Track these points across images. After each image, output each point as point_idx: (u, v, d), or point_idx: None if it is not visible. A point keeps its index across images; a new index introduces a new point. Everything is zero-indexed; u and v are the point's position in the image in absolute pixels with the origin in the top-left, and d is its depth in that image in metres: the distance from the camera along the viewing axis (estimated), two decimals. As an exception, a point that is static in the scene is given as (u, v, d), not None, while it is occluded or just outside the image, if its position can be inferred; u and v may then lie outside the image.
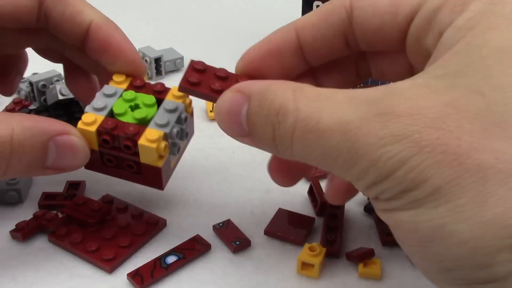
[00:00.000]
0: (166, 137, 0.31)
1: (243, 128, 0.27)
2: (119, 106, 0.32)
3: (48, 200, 0.37)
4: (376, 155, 0.22)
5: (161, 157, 0.31)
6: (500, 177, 0.21)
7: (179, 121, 0.32)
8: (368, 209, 0.38)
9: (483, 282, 0.22)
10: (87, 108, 0.32)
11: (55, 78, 0.48)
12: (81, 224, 0.35)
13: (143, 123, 0.32)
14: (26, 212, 0.36)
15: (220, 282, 0.32)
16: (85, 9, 0.35)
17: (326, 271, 0.33)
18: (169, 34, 0.63)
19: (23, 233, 0.34)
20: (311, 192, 0.39)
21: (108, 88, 0.33)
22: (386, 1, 0.28)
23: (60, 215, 0.36)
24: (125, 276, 0.32)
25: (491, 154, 0.21)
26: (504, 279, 0.21)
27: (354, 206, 0.38)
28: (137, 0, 0.74)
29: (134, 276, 0.31)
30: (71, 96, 0.46)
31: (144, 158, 0.31)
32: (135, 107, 0.33)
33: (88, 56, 0.36)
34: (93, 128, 0.31)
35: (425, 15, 0.26)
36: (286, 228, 0.35)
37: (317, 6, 0.52)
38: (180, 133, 0.32)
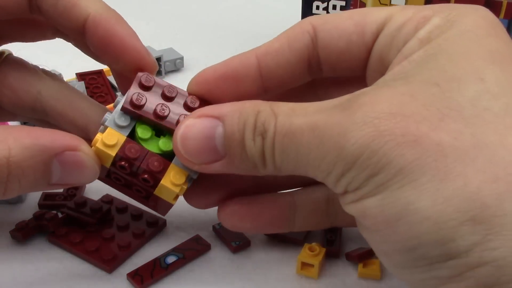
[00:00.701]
0: (188, 178, 0.29)
1: (217, 152, 0.27)
2: (143, 130, 0.29)
3: (48, 200, 0.37)
4: (341, 145, 0.23)
5: (177, 197, 0.30)
6: (458, 154, 0.22)
7: None
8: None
9: (444, 259, 0.22)
10: (109, 122, 0.29)
11: (55, 78, 0.48)
12: (81, 224, 0.35)
13: (167, 155, 0.29)
14: (26, 212, 0.36)
15: (220, 282, 0.32)
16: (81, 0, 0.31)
17: (326, 271, 0.33)
18: (169, 34, 0.63)
19: (23, 233, 0.34)
20: (311, 192, 0.39)
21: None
22: (350, 22, 0.28)
23: (60, 215, 0.36)
24: (125, 276, 0.32)
25: (448, 134, 0.22)
26: (465, 254, 0.21)
27: (354, 206, 0.38)
28: (137, 0, 0.74)
29: (134, 276, 0.31)
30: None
31: (159, 193, 0.29)
32: (159, 130, 0.29)
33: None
34: (113, 152, 0.28)
35: (390, 32, 0.27)
36: (286, 228, 0.35)
37: (317, 6, 0.52)
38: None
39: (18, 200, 0.37)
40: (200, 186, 0.31)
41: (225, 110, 0.27)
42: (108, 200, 0.37)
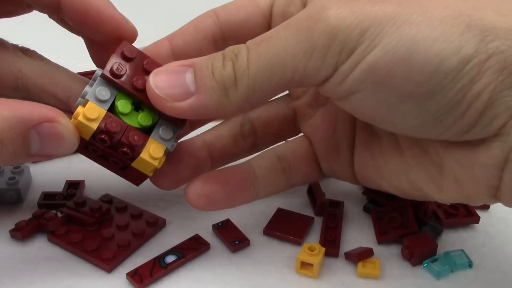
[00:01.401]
0: (166, 152, 0.30)
1: (187, 88, 0.28)
2: (123, 104, 0.30)
3: (47, 199, 0.37)
4: (322, 18, 0.26)
5: (155, 169, 0.31)
6: None
7: (179, 131, 0.32)
8: (367, 208, 0.38)
9: (463, 66, 0.25)
10: (89, 96, 0.29)
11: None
12: (80, 224, 0.35)
13: (146, 130, 0.30)
14: (25, 212, 0.36)
15: (219, 281, 0.32)
16: None
17: (325, 271, 0.33)
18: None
19: (23, 232, 0.34)
20: (310, 192, 0.39)
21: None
22: (246, 0, 0.34)
23: (59, 214, 0.36)
24: (125, 276, 0.32)
25: None
26: (476, 54, 0.25)
27: (353, 205, 0.38)
28: (137, 0, 0.74)
29: (133, 275, 0.31)
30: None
31: (137, 165, 0.30)
32: (138, 105, 0.30)
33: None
34: (94, 126, 0.29)
35: None
36: (285, 227, 0.35)
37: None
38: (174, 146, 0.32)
39: (17, 200, 0.37)
40: (166, 166, 0.32)
41: (195, 59, 0.29)
42: (107, 199, 0.37)
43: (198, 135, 0.35)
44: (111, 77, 0.29)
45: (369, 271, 0.32)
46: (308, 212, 0.38)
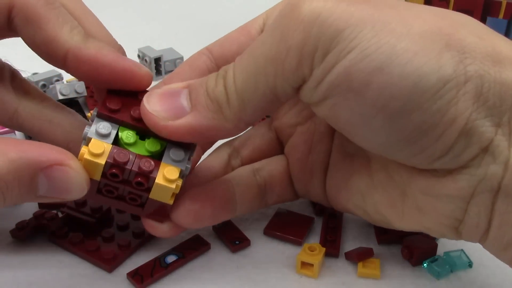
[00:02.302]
0: (181, 174, 0.29)
1: (182, 107, 0.28)
2: (127, 135, 0.29)
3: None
4: (297, 13, 0.25)
5: (173, 195, 0.29)
6: (406, 6, 0.25)
7: (191, 154, 0.30)
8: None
9: (442, 85, 0.23)
10: (91, 133, 0.28)
11: (55, 78, 0.49)
12: (81, 224, 0.35)
13: (156, 156, 0.29)
14: (26, 212, 0.36)
15: (219, 281, 0.32)
16: None
17: (326, 271, 0.33)
18: (169, 34, 0.63)
19: (23, 232, 0.34)
20: (310, 192, 0.39)
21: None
22: (237, 31, 0.34)
23: (60, 214, 0.36)
24: (125, 276, 0.32)
25: (389, 1, 0.26)
26: (454, 75, 0.24)
27: (353, 205, 0.38)
28: (137, 0, 0.74)
29: (134, 275, 0.31)
30: (71, 96, 0.47)
31: (155, 195, 0.29)
32: (142, 135, 0.29)
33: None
34: (102, 161, 0.27)
35: (273, 16, 0.32)
36: (285, 227, 0.35)
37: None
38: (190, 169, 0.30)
39: (18, 200, 0.37)
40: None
41: (190, 81, 0.29)
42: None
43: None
44: (108, 113, 0.29)
45: (369, 271, 0.32)
46: (308, 212, 0.38)
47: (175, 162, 0.29)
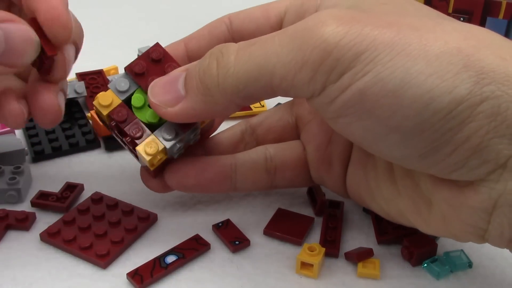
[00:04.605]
0: (165, 150, 0.32)
1: (178, 93, 0.29)
2: (137, 98, 0.32)
3: (41, 199, 0.37)
4: (318, 32, 0.25)
5: (153, 165, 0.32)
6: (428, 27, 0.25)
7: (188, 136, 0.32)
8: (367, 209, 0.38)
9: (454, 106, 0.24)
10: (111, 85, 0.32)
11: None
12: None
13: (153, 127, 0.32)
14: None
15: (219, 281, 0.32)
16: None
17: (325, 271, 0.33)
18: (169, 34, 0.63)
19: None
20: (310, 192, 0.39)
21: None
22: (258, 10, 0.35)
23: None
24: (125, 276, 0.32)
25: (412, 20, 0.26)
26: (469, 96, 0.24)
27: (353, 206, 0.38)
28: (137, 0, 0.74)
29: (133, 275, 0.31)
30: (71, 96, 0.47)
31: (139, 155, 0.32)
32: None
33: None
34: (105, 112, 0.32)
35: (294, 8, 0.33)
36: (285, 228, 0.35)
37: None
38: (181, 148, 0.33)
39: (18, 200, 0.37)
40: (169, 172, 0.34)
41: (190, 64, 0.30)
42: (98, 197, 0.37)
43: (197, 145, 0.35)
44: (130, 73, 0.32)
45: (369, 271, 0.32)
46: (308, 212, 0.38)
47: (163, 139, 0.32)
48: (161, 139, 0.31)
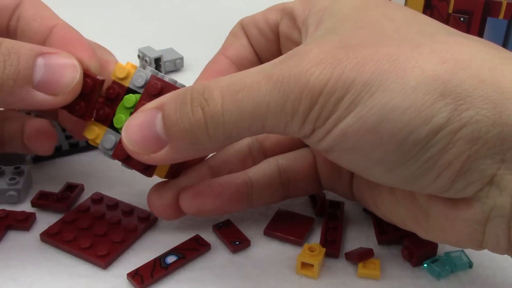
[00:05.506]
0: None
1: (160, 139, 0.28)
2: (128, 99, 0.32)
3: (41, 199, 0.37)
4: (304, 80, 0.26)
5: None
6: (405, 55, 0.25)
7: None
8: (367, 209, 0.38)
9: (433, 135, 0.24)
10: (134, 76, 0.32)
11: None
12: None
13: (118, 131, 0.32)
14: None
15: (219, 282, 0.32)
16: None
17: (326, 271, 0.33)
18: (169, 34, 0.63)
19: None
20: (310, 192, 0.39)
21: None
22: (260, 15, 0.36)
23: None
24: (125, 276, 0.32)
25: (391, 47, 0.26)
26: (447, 123, 0.24)
27: (353, 206, 0.38)
28: (137, 0, 0.74)
29: (134, 276, 0.31)
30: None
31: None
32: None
33: None
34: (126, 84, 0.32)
35: (288, 19, 0.34)
36: (285, 228, 0.35)
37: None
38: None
39: (18, 200, 0.37)
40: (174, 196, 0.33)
41: (164, 99, 0.29)
42: (98, 197, 0.37)
43: (202, 162, 0.35)
44: (136, 89, 0.32)
45: (370, 271, 0.32)
46: (309, 212, 0.38)
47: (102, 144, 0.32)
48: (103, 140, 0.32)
